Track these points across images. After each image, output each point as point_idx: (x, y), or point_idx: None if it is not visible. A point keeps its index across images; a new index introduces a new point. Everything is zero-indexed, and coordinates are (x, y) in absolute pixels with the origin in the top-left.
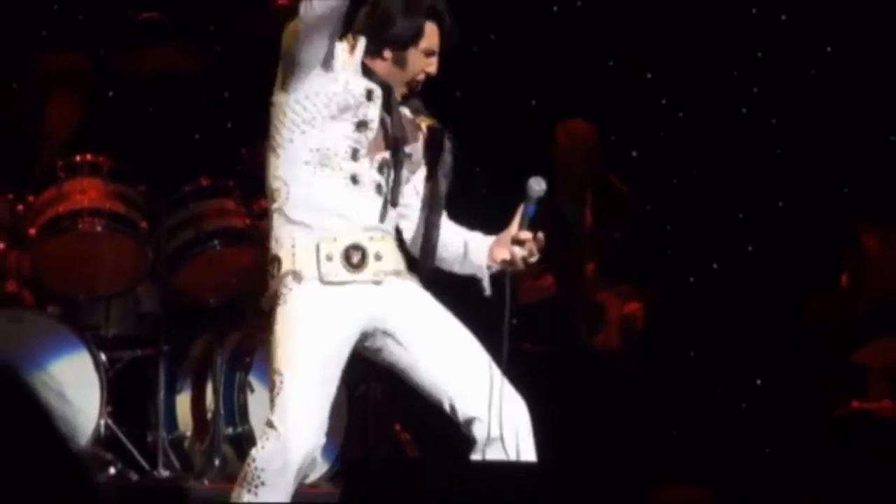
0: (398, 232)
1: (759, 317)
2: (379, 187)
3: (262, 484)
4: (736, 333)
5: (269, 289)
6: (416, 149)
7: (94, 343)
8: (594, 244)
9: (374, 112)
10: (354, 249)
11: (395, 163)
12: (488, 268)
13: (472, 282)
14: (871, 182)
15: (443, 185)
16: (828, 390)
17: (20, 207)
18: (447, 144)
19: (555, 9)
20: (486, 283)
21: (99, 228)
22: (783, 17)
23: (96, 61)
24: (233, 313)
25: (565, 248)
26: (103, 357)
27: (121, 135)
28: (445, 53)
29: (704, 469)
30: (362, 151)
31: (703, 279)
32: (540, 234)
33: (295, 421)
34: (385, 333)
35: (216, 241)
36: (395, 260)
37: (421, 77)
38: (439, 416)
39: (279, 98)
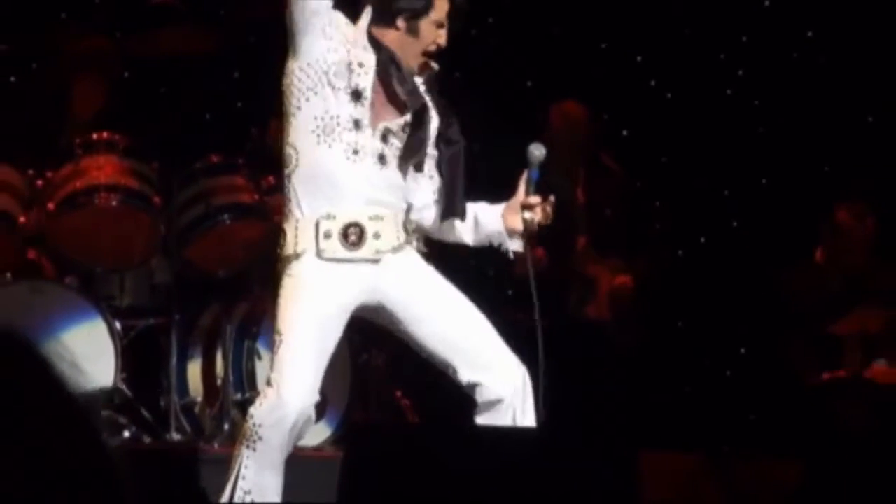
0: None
1: (743, 288)
2: (382, 157)
3: (260, 439)
4: (722, 304)
5: (278, 258)
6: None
7: (110, 312)
8: (586, 220)
9: (366, 81)
10: (353, 227)
11: (408, 126)
12: (508, 233)
13: (470, 257)
14: (849, 161)
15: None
16: (806, 360)
17: (39, 182)
18: (450, 112)
19: None
20: (508, 247)
21: (114, 203)
22: (766, 3)
23: (118, 44)
24: (241, 285)
25: (558, 224)
26: (118, 326)
27: (135, 113)
28: (455, 25)
29: (691, 435)
30: (364, 122)
31: (691, 253)
32: (552, 197)
33: (290, 378)
34: (385, 305)
35: (226, 216)
36: (394, 237)
37: (433, 48)
38: (438, 384)
39: (289, 66)
